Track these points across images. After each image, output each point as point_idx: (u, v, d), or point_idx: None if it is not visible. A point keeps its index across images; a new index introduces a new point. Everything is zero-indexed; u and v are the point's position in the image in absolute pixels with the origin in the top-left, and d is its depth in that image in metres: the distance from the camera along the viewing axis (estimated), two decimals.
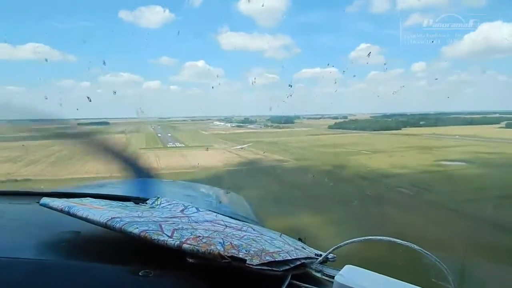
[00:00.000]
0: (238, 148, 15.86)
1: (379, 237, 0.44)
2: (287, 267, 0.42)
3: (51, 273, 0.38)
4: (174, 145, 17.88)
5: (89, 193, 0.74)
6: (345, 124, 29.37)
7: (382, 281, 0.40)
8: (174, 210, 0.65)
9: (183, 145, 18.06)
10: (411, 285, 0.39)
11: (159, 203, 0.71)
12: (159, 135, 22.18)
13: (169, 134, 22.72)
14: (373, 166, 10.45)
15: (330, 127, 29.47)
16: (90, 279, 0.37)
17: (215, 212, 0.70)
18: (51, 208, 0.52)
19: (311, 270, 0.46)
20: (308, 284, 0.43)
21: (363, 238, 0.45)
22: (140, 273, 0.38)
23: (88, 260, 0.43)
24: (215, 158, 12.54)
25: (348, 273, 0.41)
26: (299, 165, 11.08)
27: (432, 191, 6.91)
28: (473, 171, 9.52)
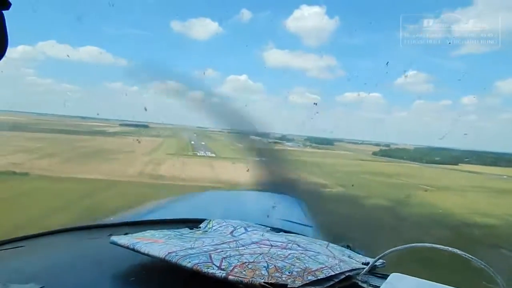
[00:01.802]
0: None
1: (422, 244, 0.43)
2: (331, 283, 0.43)
3: None
4: (204, 154, 16.40)
5: (151, 220, 0.89)
6: (392, 152, 26.51)
7: None
8: (225, 233, 0.70)
9: (214, 155, 16.45)
10: None
11: (211, 226, 0.77)
12: (192, 142, 21.01)
13: (203, 143, 21.51)
14: (443, 207, 7.93)
15: (374, 153, 26.83)
16: None
17: (262, 228, 0.75)
18: (119, 245, 0.59)
19: (357, 281, 0.46)
20: None
21: (407, 245, 0.45)
22: None
23: None
24: (245, 172, 10.64)
25: (393, 282, 0.41)
26: (347, 194, 8.79)
27: None
28: None
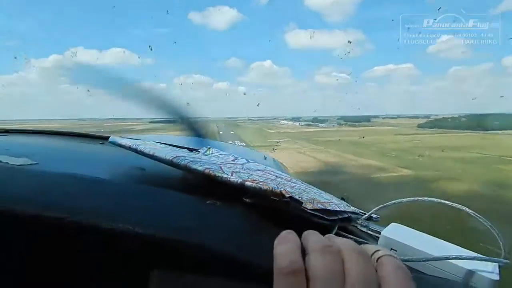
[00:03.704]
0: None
1: (427, 198, 0.41)
2: (335, 218, 0.40)
3: (125, 193, 0.37)
4: (233, 144, 14.69)
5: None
6: (439, 123, 23.25)
7: (428, 239, 0.38)
8: (226, 159, 0.62)
9: (243, 144, 14.66)
10: (458, 246, 0.36)
11: (210, 152, 0.68)
12: (220, 133, 19.78)
13: (232, 132, 20.12)
14: None
15: (420, 126, 23.86)
16: (162, 201, 0.37)
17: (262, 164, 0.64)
18: (119, 145, 0.52)
19: (356, 225, 0.45)
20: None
21: (411, 198, 0.42)
22: (207, 202, 0.38)
23: (159, 186, 0.42)
24: (282, 161, 8.58)
25: (394, 229, 0.39)
26: (421, 178, 6.47)
27: None
28: None
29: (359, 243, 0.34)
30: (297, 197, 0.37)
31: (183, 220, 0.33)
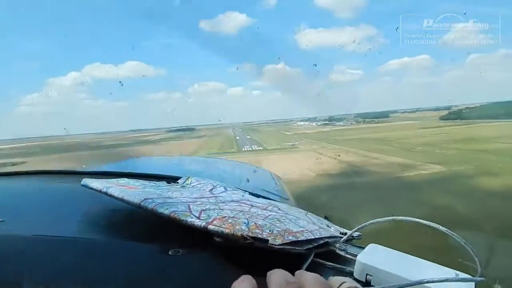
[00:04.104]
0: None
1: (404, 218, 0.42)
2: (310, 246, 0.40)
3: (88, 251, 0.39)
4: (250, 148, 14.49)
5: (125, 173, 0.78)
6: (462, 114, 22.17)
7: (405, 260, 0.38)
8: (203, 190, 0.63)
9: (260, 148, 14.36)
10: (436, 264, 0.37)
11: (189, 182, 0.70)
12: (237, 138, 19.75)
13: (248, 136, 20.04)
14: None
15: (442, 118, 22.88)
16: (124, 257, 0.38)
17: (242, 190, 0.66)
18: (91, 188, 0.54)
19: (334, 249, 0.46)
20: (332, 262, 0.42)
21: (388, 218, 0.43)
22: (170, 252, 0.39)
23: (123, 239, 0.45)
24: (302, 164, 8.26)
25: (371, 252, 0.40)
26: (454, 175, 5.95)
27: None
28: None
29: (335, 269, 0.39)
30: (267, 231, 0.38)
31: (139, 280, 0.32)
